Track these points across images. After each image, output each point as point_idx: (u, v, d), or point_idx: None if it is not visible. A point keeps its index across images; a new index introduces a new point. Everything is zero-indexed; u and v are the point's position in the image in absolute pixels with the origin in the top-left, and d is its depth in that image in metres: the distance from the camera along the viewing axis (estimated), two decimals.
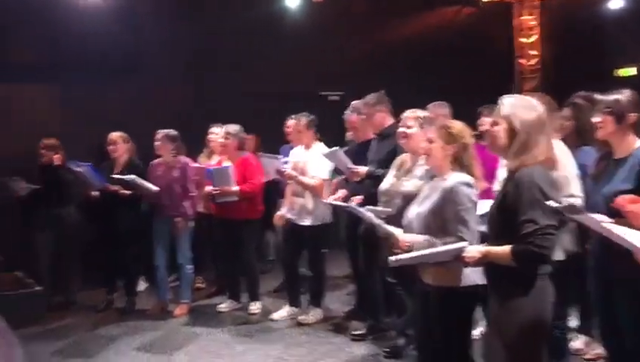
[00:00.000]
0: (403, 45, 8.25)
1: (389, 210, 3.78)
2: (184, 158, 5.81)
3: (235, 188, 5.51)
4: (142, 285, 6.47)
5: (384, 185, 4.09)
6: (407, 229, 3.15)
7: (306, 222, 5.27)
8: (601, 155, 3.17)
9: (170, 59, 7.30)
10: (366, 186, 4.62)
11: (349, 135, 5.62)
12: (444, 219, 2.97)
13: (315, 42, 7.93)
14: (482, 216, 3.01)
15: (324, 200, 5.21)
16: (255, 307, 5.71)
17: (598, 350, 4.06)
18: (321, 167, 5.21)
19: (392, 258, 2.85)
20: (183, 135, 5.88)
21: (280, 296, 5.99)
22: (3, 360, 2.67)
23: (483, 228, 2.94)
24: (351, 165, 4.74)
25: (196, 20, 7.27)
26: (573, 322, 4.41)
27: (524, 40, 9.35)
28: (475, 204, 2.99)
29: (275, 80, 7.76)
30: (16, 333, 3.12)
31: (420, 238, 3.02)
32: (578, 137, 3.84)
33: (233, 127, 5.64)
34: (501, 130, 2.64)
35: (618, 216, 2.56)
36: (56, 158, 5.90)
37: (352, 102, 5.28)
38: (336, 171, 5.33)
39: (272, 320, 5.45)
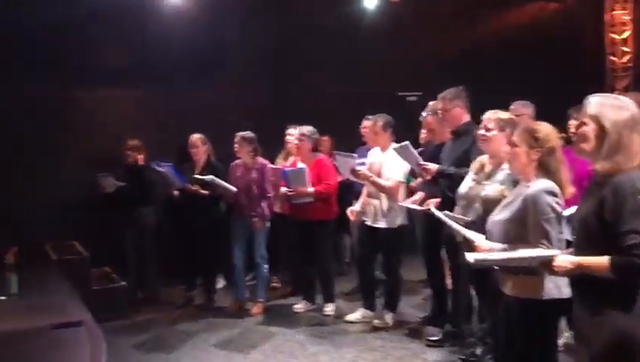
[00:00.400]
0: (484, 44, 7.99)
1: (468, 218, 3.64)
2: (262, 160, 5.89)
3: (310, 189, 5.52)
4: (220, 283, 6.61)
5: (463, 189, 3.96)
6: (489, 236, 3.03)
7: (381, 224, 5.20)
8: None
9: (249, 61, 7.41)
10: (441, 188, 4.50)
11: (423, 137, 5.49)
12: (525, 228, 2.83)
13: (393, 42, 7.83)
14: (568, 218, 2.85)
15: (400, 203, 5.14)
16: (330, 309, 5.71)
17: None
18: (396, 168, 5.13)
19: (472, 256, 2.67)
20: (261, 136, 5.96)
21: (355, 298, 5.95)
22: (89, 352, 2.79)
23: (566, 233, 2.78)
24: (421, 161, 4.63)
25: (275, 21, 7.34)
26: None
27: (615, 36, 8.91)
28: (559, 214, 2.82)
29: (353, 80, 7.72)
30: (101, 326, 3.25)
31: (499, 247, 2.89)
32: None
33: (307, 129, 5.67)
34: (589, 131, 2.45)
35: None
36: (140, 159, 6.15)
37: (430, 103, 5.17)
38: (411, 174, 5.23)
39: (346, 322, 5.43)
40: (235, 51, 7.33)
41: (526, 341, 2.89)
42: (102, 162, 6.36)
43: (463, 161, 4.29)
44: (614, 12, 8.87)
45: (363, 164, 5.49)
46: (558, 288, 2.81)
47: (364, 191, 5.45)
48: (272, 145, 6.52)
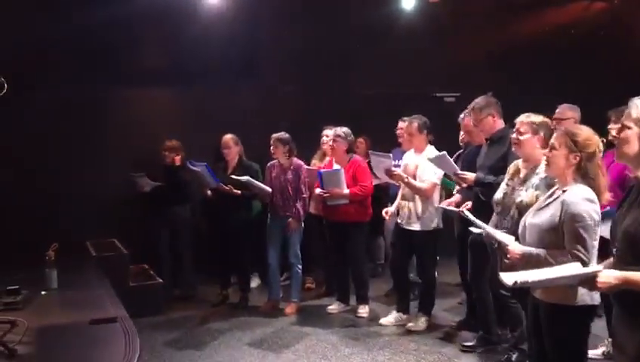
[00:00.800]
0: (524, 45, 7.82)
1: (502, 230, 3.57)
2: (297, 160, 5.91)
3: (346, 191, 5.51)
4: (255, 282, 6.66)
5: (498, 195, 3.90)
6: (521, 239, 2.97)
7: (415, 226, 5.16)
8: None
9: (285, 62, 7.45)
10: (475, 192, 4.43)
11: (462, 138, 5.42)
12: (560, 234, 2.77)
13: (431, 43, 7.76)
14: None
15: (436, 205, 5.08)
16: (364, 310, 5.69)
17: None
18: (432, 170, 5.07)
19: (515, 279, 2.41)
20: (297, 137, 5.98)
21: (390, 300, 5.92)
22: (123, 348, 2.84)
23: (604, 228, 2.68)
24: (458, 171, 4.57)
25: (311, 23, 7.34)
26: None
27: None
28: (596, 221, 2.75)
29: (391, 81, 7.69)
30: (136, 322, 3.31)
31: (532, 251, 2.84)
32: None
33: (342, 130, 5.65)
34: (632, 136, 2.34)
35: None
36: (177, 159, 6.24)
37: (469, 105, 5.09)
38: (445, 176, 5.16)
39: (380, 324, 5.40)
40: (272, 52, 7.38)
41: (557, 347, 2.83)
42: (140, 162, 6.49)
43: (500, 168, 4.22)
44: None
45: (398, 166, 5.45)
46: (590, 294, 2.75)
47: (400, 193, 5.41)
48: (307, 146, 6.54)
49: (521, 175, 3.77)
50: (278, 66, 7.42)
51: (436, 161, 4.79)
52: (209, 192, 6.01)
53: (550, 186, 3.02)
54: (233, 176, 5.80)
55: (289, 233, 5.80)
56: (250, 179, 5.71)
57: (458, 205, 4.73)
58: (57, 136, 6.46)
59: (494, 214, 3.90)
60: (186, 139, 6.40)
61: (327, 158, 6.07)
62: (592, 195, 2.77)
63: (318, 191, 5.69)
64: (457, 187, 5.16)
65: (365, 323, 5.51)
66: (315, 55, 7.48)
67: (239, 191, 5.83)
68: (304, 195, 5.82)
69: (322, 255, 6.47)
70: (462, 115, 5.21)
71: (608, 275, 2.30)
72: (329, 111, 6.94)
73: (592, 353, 4.31)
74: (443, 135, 5.64)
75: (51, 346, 3.00)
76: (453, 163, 4.65)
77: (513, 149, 3.81)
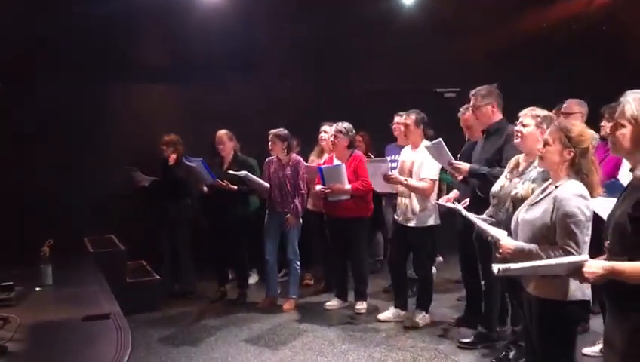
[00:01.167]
0: (525, 40, 7.77)
1: (497, 219, 3.56)
2: (296, 156, 5.88)
3: (348, 186, 5.48)
4: (253, 278, 6.64)
5: (496, 187, 3.87)
6: (513, 234, 2.96)
7: (411, 223, 5.13)
8: None
9: (285, 58, 7.41)
10: (472, 187, 4.39)
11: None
12: (552, 230, 2.74)
13: (432, 38, 7.71)
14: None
15: (433, 202, 5.05)
16: (362, 306, 5.67)
17: None
18: (430, 167, 5.04)
19: (498, 267, 2.54)
20: (295, 133, 5.95)
21: (388, 296, 5.90)
22: (115, 344, 2.83)
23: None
24: (453, 160, 4.53)
25: (311, 18, 7.31)
26: None
27: None
28: (587, 217, 2.74)
29: (391, 77, 7.65)
30: (132, 319, 3.31)
31: (524, 246, 2.82)
32: None
33: (344, 125, 5.62)
34: (625, 135, 2.28)
35: None
36: (172, 158, 6.19)
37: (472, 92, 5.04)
38: (443, 170, 5.13)
39: (378, 321, 5.38)
40: (272, 48, 7.35)
41: (545, 343, 2.83)
42: (138, 157, 6.48)
43: (495, 161, 4.19)
44: None
45: (395, 161, 5.41)
46: (581, 289, 2.73)
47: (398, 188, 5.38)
48: (306, 142, 6.51)
49: (520, 168, 3.74)
50: (276, 62, 7.38)
51: (432, 150, 4.75)
52: (205, 188, 5.99)
53: (547, 180, 3.00)
54: (230, 172, 5.78)
55: (287, 229, 5.78)
56: (248, 174, 5.69)
57: (455, 201, 4.69)
58: (55, 132, 6.46)
59: (490, 206, 3.87)
60: (184, 136, 6.38)
61: (326, 154, 6.04)
62: (584, 191, 2.75)
63: (318, 187, 5.66)
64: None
65: (363, 319, 5.49)
66: (314, 50, 7.45)
67: (235, 187, 5.80)
68: (303, 191, 5.79)
69: (321, 251, 6.45)
70: (461, 110, 5.18)
71: (595, 265, 2.29)
72: (328, 107, 6.90)
73: (589, 350, 4.31)
74: (443, 130, 5.58)
75: (43, 343, 2.99)
76: (448, 151, 4.60)
77: (516, 142, 3.77)
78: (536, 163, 3.47)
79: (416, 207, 5.08)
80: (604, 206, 2.67)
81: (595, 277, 2.29)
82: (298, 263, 5.89)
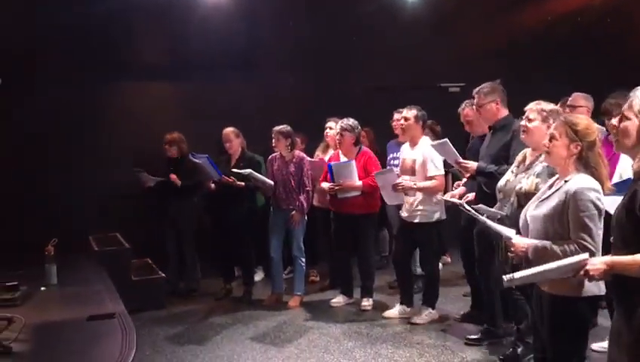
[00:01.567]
0: (529, 34, 7.72)
1: (502, 212, 3.53)
2: (299, 153, 5.85)
3: (358, 182, 5.45)
4: (259, 275, 6.63)
5: (501, 182, 3.84)
6: (523, 231, 2.92)
7: (417, 219, 5.10)
8: None
9: (287, 54, 7.39)
10: (478, 183, 4.36)
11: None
12: (565, 224, 2.72)
13: (435, 33, 7.67)
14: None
15: (439, 197, 5.02)
16: (368, 303, 5.65)
17: None
18: (435, 163, 5.01)
19: (505, 277, 2.61)
20: (299, 130, 5.92)
21: (393, 293, 5.87)
22: (119, 344, 2.81)
23: None
24: (460, 159, 4.50)
25: (314, 14, 7.28)
26: None
27: None
28: (600, 210, 2.71)
29: (395, 71, 7.61)
30: (138, 317, 3.29)
31: (537, 243, 2.79)
32: None
33: (349, 122, 5.58)
34: (631, 127, 2.30)
35: None
36: (177, 152, 6.17)
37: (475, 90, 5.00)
38: (445, 165, 5.10)
39: (383, 317, 5.36)
40: (274, 45, 7.32)
41: (557, 339, 2.81)
42: (142, 156, 6.46)
43: (502, 158, 4.16)
44: None
45: (397, 158, 5.38)
46: (597, 285, 2.70)
47: None
48: (310, 138, 6.48)
49: (527, 163, 3.71)
50: (280, 59, 7.36)
51: (438, 148, 4.72)
52: (212, 185, 5.97)
53: (552, 175, 2.96)
54: (235, 170, 5.76)
55: (292, 226, 5.75)
56: (253, 172, 5.66)
57: (462, 197, 4.67)
58: (58, 131, 6.46)
59: (497, 202, 3.85)
60: (187, 134, 6.35)
61: (332, 150, 6.01)
62: (596, 184, 2.73)
63: (326, 185, 5.62)
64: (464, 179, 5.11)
65: (369, 316, 5.47)
66: (317, 47, 7.41)
67: (242, 183, 5.79)
68: (308, 188, 5.76)
69: (326, 248, 6.43)
70: (462, 105, 5.14)
71: (596, 261, 2.36)
72: (331, 103, 6.88)
73: (598, 346, 4.26)
74: (447, 125, 5.57)
75: (48, 343, 2.97)
76: (454, 150, 4.57)
77: (522, 137, 3.73)
78: (542, 157, 3.44)
79: (422, 202, 5.05)
80: (615, 204, 2.64)
81: (600, 273, 2.34)
82: (303, 260, 5.87)
